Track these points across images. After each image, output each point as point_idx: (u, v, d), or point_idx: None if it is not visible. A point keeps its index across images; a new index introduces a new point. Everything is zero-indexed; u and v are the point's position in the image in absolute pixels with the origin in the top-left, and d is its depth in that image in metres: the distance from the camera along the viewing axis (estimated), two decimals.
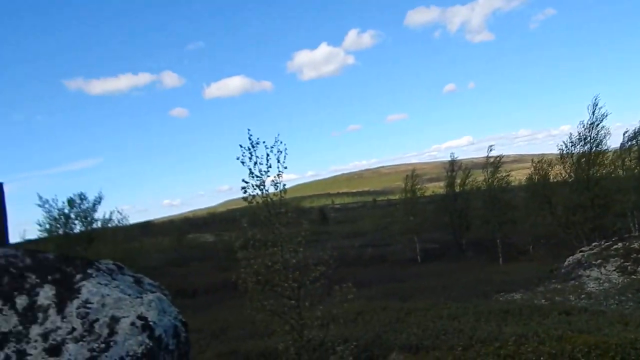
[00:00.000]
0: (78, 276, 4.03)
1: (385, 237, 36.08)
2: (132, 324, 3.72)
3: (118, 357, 3.60)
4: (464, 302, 13.06)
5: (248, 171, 6.46)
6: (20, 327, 3.74)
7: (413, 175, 32.30)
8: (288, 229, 6.43)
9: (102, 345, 3.61)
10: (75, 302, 3.80)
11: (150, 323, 3.79)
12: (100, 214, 20.01)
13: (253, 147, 6.43)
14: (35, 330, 3.72)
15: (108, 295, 3.87)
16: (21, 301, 3.83)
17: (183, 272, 26.61)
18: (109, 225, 20.37)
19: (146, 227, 48.94)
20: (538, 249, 25.48)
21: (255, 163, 6.49)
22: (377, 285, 19.74)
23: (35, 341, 3.66)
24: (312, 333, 6.26)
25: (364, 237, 38.78)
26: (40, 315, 3.78)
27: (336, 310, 6.50)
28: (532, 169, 30.75)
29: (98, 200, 20.03)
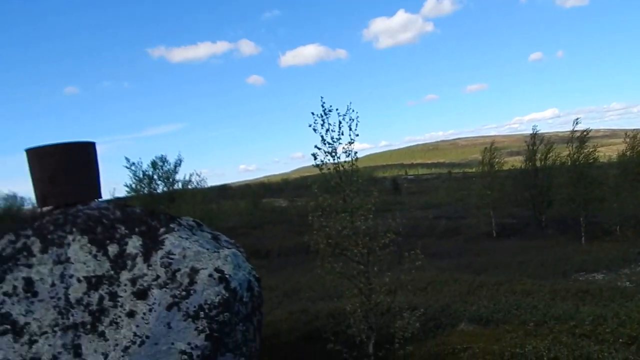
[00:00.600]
0: (162, 229, 4.34)
1: (460, 209, 35.13)
2: (210, 275, 3.98)
3: (197, 305, 3.88)
4: (540, 280, 12.55)
5: (320, 138, 6.52)
6: (112, 272, 4.12)
7: (492, 147, 30.98)
8: (358, 196, 6.46)
9: (183, 293, 3.90)
10: (160, 253, 4.12)
11: (227, 276, 4.03)
12: (180, 175, 21.23)
13: (325, 114, 6.46)
14: (124, 276, 4.08)
15: (189, 248, 4.14)
16: (112, 249, 4.21)
17: (258, 234, 27.69)
18: (189, 186, 21.53)
19: (223, 190, 51.03)
20: (626, 229, 23.72)
21: (327, 130, 6.52)
22: (449, 257, 19.41)
23: (125, 285, 4.03)
24: (379, 298, 6.33)
25: (438, 208, 37.99)
26: (129, 262, 4.14)
27: (405, 277, 6.51)
28: (625, 144, 28.37)
29: (178, 163, 21.18)
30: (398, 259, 6.76)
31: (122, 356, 3.73)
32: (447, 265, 16.71)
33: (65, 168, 4.56)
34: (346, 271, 6.40)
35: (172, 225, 4.38)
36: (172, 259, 4.06)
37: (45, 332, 3.94)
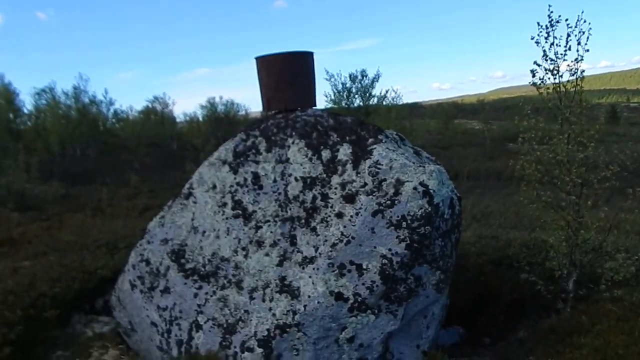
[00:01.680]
0: (370, 140, 4.49)
1: None
2: (415, 188, 4.03)
3: (400, 215, 4.01)
4: None
5: (542, 53, 5.82)
6: (324, 175, 4.47)
7: None
8: (580, 121, 5.72)
9: (388, 202, 4.05)
10: (368, 162, 4.29)
11: (431, 191, 4.04)
12: (376, 90, 21.52)
13: (552, 26, 5.69)
14: (335, 180, 4.39)
15: (395, 160, 4.23)
16: (325, 154, 4.53)
17: (447, 154, 26.99)
18: (384, 102, 21.77)
19: (414, 108, 50.40)
20: None
21: (552, 44, 5.76)
22: None
23: (335, 188, 4.35)
24: (589, 234, 5.73)
25: None
26: (340, 168, 4.42)
27: (625, 215, 5.74)
28: None
29: (376, 78, 21.40)
30: (614, 196, 5.97)
31: (330, 251, 4.12)
32: None
33: (288, 76, 4.94)
34: (553, 201, 5.89)
35: (380, 137, 4.49)
36: (379, 168, 4.20)
37: (268, 221, 4.54)
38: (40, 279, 6.11)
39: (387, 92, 21.64)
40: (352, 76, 21.09)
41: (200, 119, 37.19)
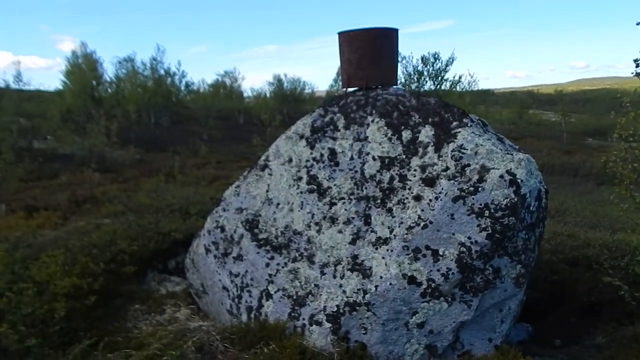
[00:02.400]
0: (454, 123, 4.31)
1: None
2: (501, 176, 3.84)
3: (483, 203, 3.84)
4: None
5: None
6: (403, 156, 4.35)
7: None
8: None
9: (471, 189, 3.89)
10: (451, 145, 4.13)
11: (518, 180, 3.84)
12: (449, 75, 20.84)
13: None
14: (415, 162, 4.27)
15: (481, 145, 4.04)
16: (406, 135, 4.41)
17: (520, 146, 25.86)
18: (457, 87, 21.06)
19: (486, 96, 48.51)
20: None
21: None
22: None
23: (415, 170, 4.23)
24: None
25: None
26: (420, 150, 4.29)
27: None
28: None
29: (450, 62, 20.68)
30: None
31: (406, 234, 4.03)
32: None
33: (371, 52, 4.82)
34: None
35: (465, 120, 4.31)
36: (463, 153, 4.04)
37: (343, 198, 4.50)
38: (119, 237, 6.46)
39: (461, 76, 20.91)
40: (424, 59, 20.54)
41: (267, 94, 37.78)
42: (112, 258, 5.85)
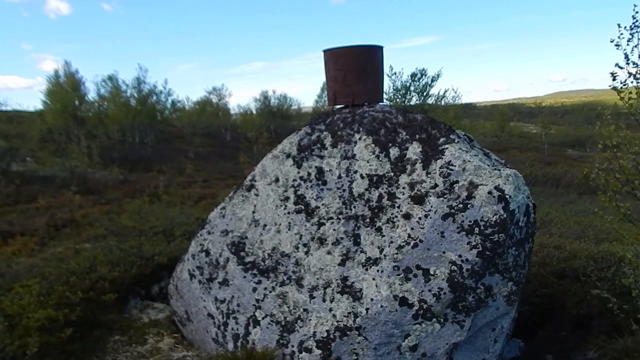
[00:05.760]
0: (442, 139, 4.27)
1: None
2: (489, 193, 3.79)
3: (472, 220, 3.78)
4: None
5: (623, 56, 5.44)
6: (391, 174, 4.29)
7: None
8: None
9: (460, 206, 3.83)
10: (439, 162, 4.08)
11: (507, 196, 3.79)
12: (434, 90, 21.09)
13: (636, 26, 5.28)
14: (403, 179, 4.21)
15: (469, 161, 3.99)
16: (393, 152, 4.35)
17: (503, 158, 26.22)
18: (441, 102, 21.29)
19: (468, 109, 49.15)
20: None
21: (636, 46, 5.36)
22: None
23: (403, 188, 4.16)
24: None
25: None
26: (408, 167, 4.23)
27: None
28: None
29: (436, 77, 20.98)
30: None
31: (396, 254, 3.94)
32: None
33: (356, 69, 4.78)
34: (632, 214, 5.48)
35: (452, 136, 4.27)
36: (451, 170, 3.99)
37: (331, 218, 4.41)
38: (100, 262, 6.26)
39: (446, 91, 21.18)
40: (413, 74, 20.78)
41: (254, 111, 37.78)
42: (91, 286, 5.64)
